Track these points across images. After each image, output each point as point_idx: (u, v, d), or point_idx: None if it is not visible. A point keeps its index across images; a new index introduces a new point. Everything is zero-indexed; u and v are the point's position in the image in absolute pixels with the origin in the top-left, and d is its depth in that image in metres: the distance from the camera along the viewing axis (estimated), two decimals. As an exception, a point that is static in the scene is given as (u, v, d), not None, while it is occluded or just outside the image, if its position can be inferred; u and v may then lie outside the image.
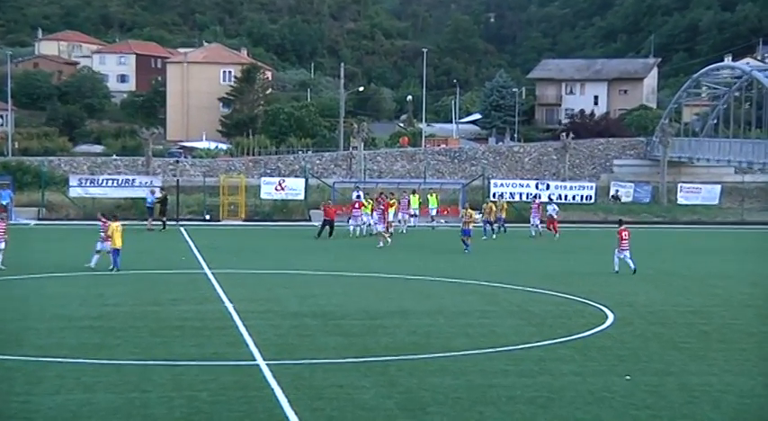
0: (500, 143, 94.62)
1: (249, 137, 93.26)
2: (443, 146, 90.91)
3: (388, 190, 50.01)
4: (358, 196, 46.36)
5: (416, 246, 38.86)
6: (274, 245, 39.01)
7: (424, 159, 76.11)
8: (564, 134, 68.58)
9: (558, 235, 42.65)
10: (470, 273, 29.95)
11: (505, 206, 45.47)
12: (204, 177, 58.84)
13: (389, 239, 37.73)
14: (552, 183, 58.12)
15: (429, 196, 47.50)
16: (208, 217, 51.56)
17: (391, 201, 43.38)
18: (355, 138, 69.02)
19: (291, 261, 32.99)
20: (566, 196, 56.50)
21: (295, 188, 53.59)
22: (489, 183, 56.52)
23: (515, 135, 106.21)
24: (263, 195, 53.52)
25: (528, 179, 64.70)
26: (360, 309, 22.66)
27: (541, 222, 43.79)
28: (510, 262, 33.67)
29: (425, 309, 22.70)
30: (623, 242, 30.53)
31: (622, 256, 30.41)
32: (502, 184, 56.59)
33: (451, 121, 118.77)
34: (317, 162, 74.23)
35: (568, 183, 58.65)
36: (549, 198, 52.55)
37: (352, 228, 42.38)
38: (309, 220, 50.19)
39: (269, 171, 70.71)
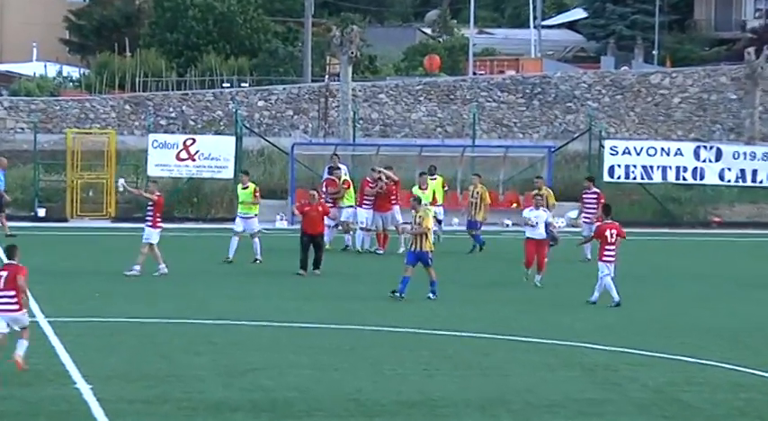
0: (624, 68, 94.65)
1: (124, 54, 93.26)
2: (510, 73, 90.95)
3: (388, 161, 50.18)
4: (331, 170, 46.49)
5: (446, 271, 38.68)
6: (175, 269, 39.14)
7: (471, 100, 76.15)
8: (752, 50, 68.57)
9: (534, 275, 36.80)
10: (552, 324, 30.15)
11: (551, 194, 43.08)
12: (35, 133, 58.94)
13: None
14: (726, 148, 58.07)
15: (429, 180, 47.46)
16: (42, 212, 51.79)
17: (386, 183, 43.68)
18: (337, 57, 69.08)
19: (210, 301, 33.13)
20: (753, 173, 56.39)
21: (217, 156, 53.85)
22: (602, 146, 56.74)
23: (654, 52, 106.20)
24: (152, 170, 53.69)
25: (680, 140, 64.71)
26: (343, 395, 22.78)
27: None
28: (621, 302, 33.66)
29: (473, 397, 22.80)
30: (607, 248, 32.22)
31: (608, 273, 32.20)
32: (627, 150, 56.65)
33: (526, 26, 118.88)
34: (261, 104, 74.30)
35: (760, 148, 58.61)
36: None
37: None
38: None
39: (164, 122, 70.80)
